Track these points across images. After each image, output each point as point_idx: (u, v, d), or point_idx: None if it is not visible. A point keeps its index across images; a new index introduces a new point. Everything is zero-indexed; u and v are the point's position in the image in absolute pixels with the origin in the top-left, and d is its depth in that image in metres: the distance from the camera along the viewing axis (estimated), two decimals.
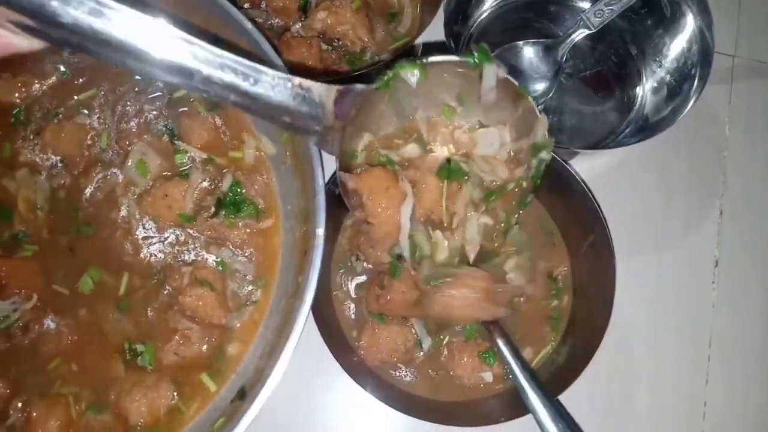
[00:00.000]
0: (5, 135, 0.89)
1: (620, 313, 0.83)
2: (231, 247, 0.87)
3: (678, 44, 1.04)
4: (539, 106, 1.07)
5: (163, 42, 0.53)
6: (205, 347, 0.82)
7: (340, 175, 0.72)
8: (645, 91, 1.10)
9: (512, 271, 0.90)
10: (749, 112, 1.13)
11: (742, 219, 1.07)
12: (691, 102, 0.96)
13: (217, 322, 0.83)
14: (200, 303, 0.81)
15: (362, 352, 0.88)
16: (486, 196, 0.76)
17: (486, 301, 0.80)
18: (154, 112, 0.92)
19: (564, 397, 0.81)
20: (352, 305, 0.92)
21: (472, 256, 0.75)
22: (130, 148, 0.89)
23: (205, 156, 0.90)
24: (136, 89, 0.92)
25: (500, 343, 0.84)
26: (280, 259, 0.86)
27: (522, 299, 0.93)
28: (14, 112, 0.90)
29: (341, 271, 0.94)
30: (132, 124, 0.91)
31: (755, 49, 1.17)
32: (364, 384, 0.81)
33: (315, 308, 0.75)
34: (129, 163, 0.88)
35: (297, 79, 0.63)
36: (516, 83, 0.72)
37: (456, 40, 1.05)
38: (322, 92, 0.65)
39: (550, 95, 1.07)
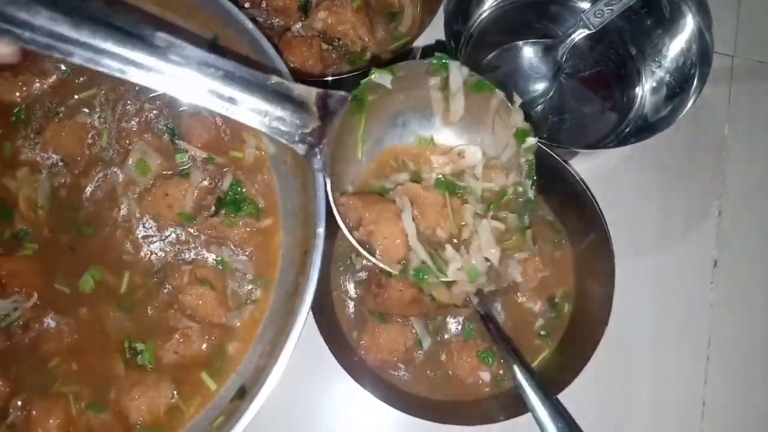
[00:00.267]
0: (6, 134, 0.89)
1: (619, 312, 0.84)
2: (231, 246, 0.87)
3: (677, 44, 1.04)
4: (538, 106, 1.09)
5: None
6: (205, 346, 0.82)
7: (336, 198, 0.71)
8: (644, 91, 1.10)
9: (514, 268, 0.91)
10: (748, 113, 1.14)
11: (741, 219, 1.08)
12: (690, 102, 0.96)
13: (217, 320, 0.83)
14: (200, 302, 0.82)
15: (362, 352, 0.89)
16: (489, 205, 0.76)
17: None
18: (155, 112, 0.92)
19: (563, 396, 0.81)
20: (352, 304, 0.92)
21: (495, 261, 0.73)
22: (130, 147, 0.89)
23: (205, 155, 0.90)
24: (137, 88, 0.92)
25: (499, 342, 0.84)
26: (280, 258, 0.86)
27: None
28: (15, 110, 0.90)
29: (341, 269, 0.94)
30: (132, 123, 0.91)
31: (754, 50, 1.17)
32: (364, 383, 0.81)
33: (315, 307, 0.75)
34: (129, 162, 0.88)
35: (275, 78, 0.64)
36: (481, 78, 0.74)
37: (456, 40, 1.05)
38: (302, 92, 0.66)
39: (550, 95, 1.08)
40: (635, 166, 1.08)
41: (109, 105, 0.91)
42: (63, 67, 0.93)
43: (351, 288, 0.93)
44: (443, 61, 0.73)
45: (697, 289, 1.04)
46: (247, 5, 1.05)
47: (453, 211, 0.74)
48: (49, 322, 0.81)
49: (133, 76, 0.61)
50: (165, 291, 0.84)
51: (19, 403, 0.77)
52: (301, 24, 1.06)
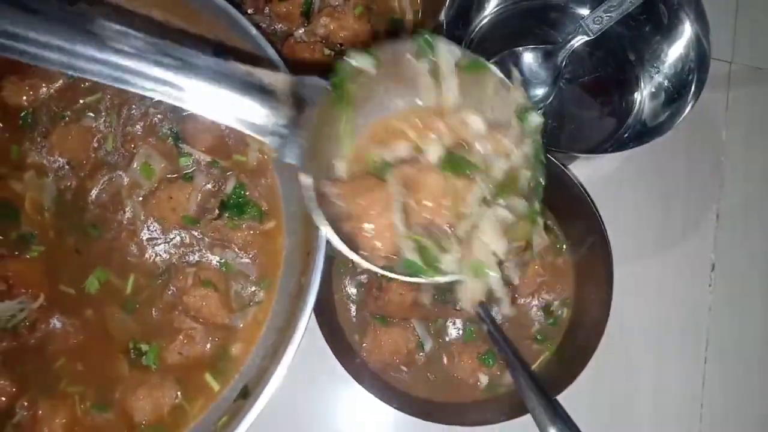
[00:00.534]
0: (13, 137, 0.90)
1: (618, 315, 0.85)
2: (234, 248, 0.88)
3: (675, 50, 1.06)
4: (539, 110, 1.10)
5: None
6: (208, 347, 0.83)
7: (320, 187, 0.63)
8: (643, 96, 1.11)
9: (512, 271, 0.92)
10: (746, 118, 1.15)
11: (739, 223, 1.09)
12: (689, 107, 0.97)
13: (221, 322, 0.84)
14: (204, 303, 0.83)
15: (364, 354, 0.89)
16: (500, 187, 0.66)
17: None
18: (159, 116, 0.93)
19: (562, 398, 0.82)
20: (354, 307, 0.93)
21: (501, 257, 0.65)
22: (135, 151, 0.90)
23: (209, 159, 0.91)
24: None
25: (499, 344, 0.85)
26: (283, 261, 0.87)
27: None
28: (22, 114, 0.91)
29: (342, 272, 0.95)
30: (137, 127, 0.92)
31: (752, 56, 1.18)
32: (366, 385, 0.82)
33: (317, 309, 0.76)
34: (134, 166, 0.89)
35: (242, 66, 0.61)
36: (475, 57, 0.67)
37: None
38: (273, 80, 0.61)
39: (550, 100, 1.09)
40: (634, 171, 1.09)
41: (114, 109, 0.92)
42: (69, 72, 0.94)
43: (352, 291, 0.94)
44: (428, 39, 0.65)
45: (696, 291, 1.05)
46: (250, 11, 1.07)
47: (457, 195, 0.65)
48: (55, 322, 0.82)
49: (80, 68, 0.59)
50: (169, 293, 0.85)
51: (26, 402, 0.78)
52: (303, 30, 1.07)
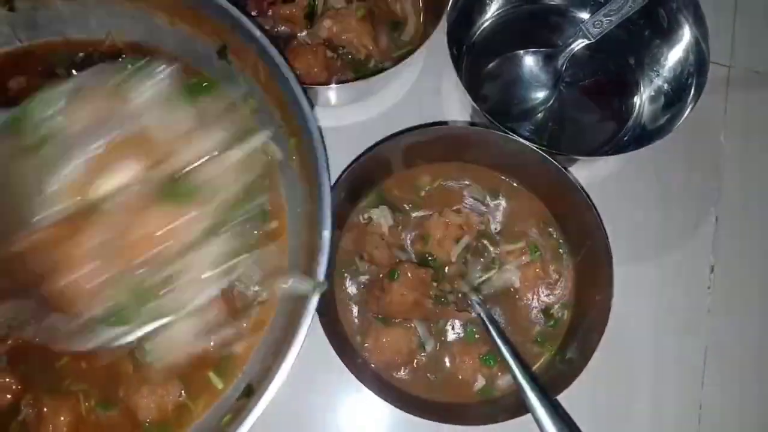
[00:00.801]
0: None
1: (617, 318, 0.85)
2: None
3: (675, 54, 1.07)
4: (539, 114, 1.11)
5: None
6: (212, 346, 0.84)
7: None
8: (643, 99, 1.12)
9: (513, 273, 0.93)
10: (744, 121, 1.16)
11: (737, 226, 1.10)
12: (688, 111, 0.98)
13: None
14: None
15: (366, 354, 0.90)
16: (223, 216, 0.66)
17: None
18: None
19: (561, 400, 0.83)
20: (356, 308, 0.94)
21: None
22: None
23: None
24: None
25: (500, 344, 0.86)
26: (286, 261, 0.88)
27: None
28: None
29: (344, 273, 0.95)
30: None
31: (751, 59, 1.19)
32: (368, 384, 0.82)
33: (320, 310, 0.77)
34: None
35: None
36: (202, 75, 0.70)
37: (458, 49, 1.07)
38: None
39: (550, 103, 1.10)
40: (633, 174, 1.10)
41: None
42: (75, 72, 0.95)
43: (354, 291, 0.94)
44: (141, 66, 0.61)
45: (695, 294, 1.06)
46: (253, 14, 1.08)
47: (173, 229, 0.62)
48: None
49: None
50: None
51: (31, 400, 0.79)
52: (306, 32, 1.08)
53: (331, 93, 1.03)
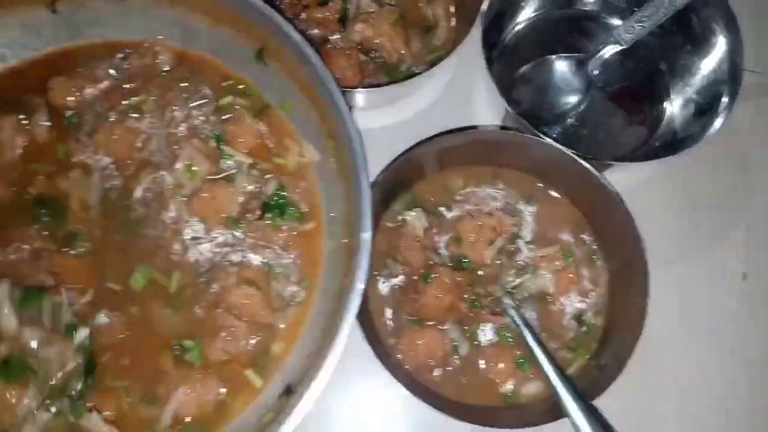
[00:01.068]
0: (60, 137, 0.93)
1: (648, 324, 0.85)
2: (276, 249, 0.89)
3: (707, 62, 1.07)
4: (569, 119, 1.11)
5: None
6: (250, 345, 0.85)
7: None
8: (673, 106, 1.12)
9: (548, 279, 0.93)
10: None
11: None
12: (722, 119, 0.98)
13: (263, 321, 0.85)
14: (247, 302, 0.84)
15: (400, 356, 0.91)
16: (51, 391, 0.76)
17: None
18: (201, 118, 0.95)
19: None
20: (389, 310, 0.94)
21: None
22: (178, 152, 0.92)
23: (250, 161, 0.93)
24: (185, 95, 0.95)
25: (535, 348, 0.87)
26: (323, 262, 0.89)
27: None
28: (68, 114, 0.94)
29: (376, 275, 0.96)
30: (180, 128, 0.94)
31: None
32: (404, 383, 0.82)
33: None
34: (177, 166, 0.91)
35: None
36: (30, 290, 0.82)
37: (489, 52, 1.07)
38: None
39: (581, 108, 1.11)
40: (662, 180, 1.10)
41: (158, 111, 0.95)
42: (114, 73, 0.96)
43: (387, 293, 0.95)
44: None
45: (725, 301, 1.06)
46: (287, 17, 1.09)
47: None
48: (102, 318, 0.84)
49: None
50: (212, 291, 0.86)
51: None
52: (339, 36, 1.09)
53: (364, 96, 1.04)
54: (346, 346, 0.73)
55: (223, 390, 0.83)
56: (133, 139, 0.93)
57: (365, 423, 0.96)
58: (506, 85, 1.10)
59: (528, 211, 1.00)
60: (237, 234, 0.90)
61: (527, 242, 0.98)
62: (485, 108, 1.12)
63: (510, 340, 0.92)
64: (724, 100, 1.01)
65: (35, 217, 0.88)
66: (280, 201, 0.90)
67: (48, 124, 0.93)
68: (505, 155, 1.00)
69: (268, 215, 0.90)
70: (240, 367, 0.84)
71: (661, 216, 1.08)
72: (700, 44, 1.07)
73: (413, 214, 0.95)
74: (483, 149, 0.99)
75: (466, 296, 0.92)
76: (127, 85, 0.96)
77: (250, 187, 0.92)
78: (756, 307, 1.05)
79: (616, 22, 1.15)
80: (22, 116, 0.93)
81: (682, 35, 1.09)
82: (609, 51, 1.07)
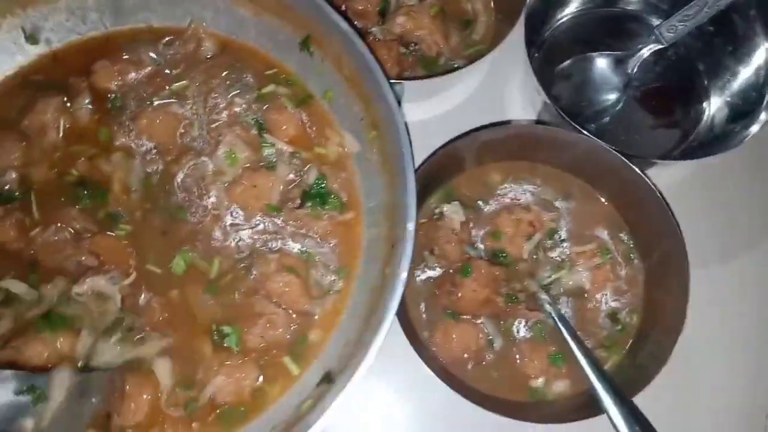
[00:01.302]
0: (102, 120, 0.93)
1: (686, 324, 0.85)
2: (315, 237, 0.89)
3: (747, 63, 1.06)
4: (607, 117, 1.11)
5: None
6: (288, 332, 0.85)
7: None
8: (711, 105, 1.12)
9: (584, 276, 0.93)
10: None
11: None
12: (761, 121, 0.97)
13: (301, 308, 0.85)
14: (286, 289, 0.84)
15: (435, 349, 0.90)
16: None
17: None
18: (244, 105, 0.95)
19: None
20: (423, 303, 0.94)
21: None
22: (220, 139, 0.92)
23: (291, 149, 0.93)
24: (227, 82, 0.96)
25: (572, 344, 0.86)
26: (362, 251, 0.89)
27: None
28: (111, 98, 0.94)
29: (412, 266, 0.95)
30: (222, 115, 0.94)
31: None
32: (439, 374, 0.82)
33: None
34: (219, 153, 0.91)
35: None
36: None
37: (528, 48, 1.07)
38: None
39: (620, 106, 1.10)
40: (700, 179, 1.09)
41: (200, 97, 0.95)
42: (157, 58, 0.97)
43: (422, 286, 0.95)
44: None
45: (763, 302, 1.04)
46: None
47: None
48: (143, 300, 0.84)
49: None
50: (251, 277, 0.86)
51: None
52: (379, 28, 1.09)
53: (403, 89, 1.04)
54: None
55: (260, 376, 0.83)
56: (175, 124, 0.94)
57: (398, 412, 0.95)
58: (546, 81, 1.09)
59: (565, 207, 0.99)
60: (277, 221, 0.90)
61: (564, 239, 0.97)
62: (520, 104, 1.12)
63: (543, 335, 0.91)
64: (766, 101, 1.00)
65: (77, 198, 0.88)
66: (321, 190, 0.90)
67: (90, 107, 0.94)
68: (542, 151, 0.99)
69: (308, 204, 0.90)
70: (277, 353, 0.84)
71: (701, 216, 1.07)
72: (741, 45, 1.06)
73: (451, 207, 0.95)
74: (519, 144, 0.99)
75: (502, 291, 0.92)
76: (170, 71, 0.96)
77: (291, 176, 0.92)
78: None
79: (656, 22, 1.14)
80: (65, 98, 0.93)
81: (723, 35, 1.08)
82: (649, 50, 1.06)
